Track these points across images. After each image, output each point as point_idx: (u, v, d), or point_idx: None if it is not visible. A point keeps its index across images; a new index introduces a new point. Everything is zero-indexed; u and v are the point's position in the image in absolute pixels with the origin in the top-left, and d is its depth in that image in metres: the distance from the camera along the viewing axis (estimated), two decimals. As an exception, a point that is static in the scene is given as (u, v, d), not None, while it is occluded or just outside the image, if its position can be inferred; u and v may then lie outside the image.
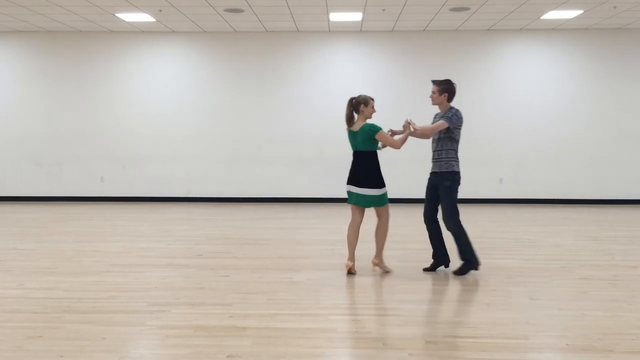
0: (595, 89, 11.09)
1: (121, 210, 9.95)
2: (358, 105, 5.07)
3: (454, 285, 4.79)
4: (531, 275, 5.10)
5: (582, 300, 4.31)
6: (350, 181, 5.11)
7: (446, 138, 5.03)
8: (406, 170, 10.81)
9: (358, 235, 5.17)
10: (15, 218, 8.93)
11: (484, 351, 3.25)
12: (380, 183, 5.04)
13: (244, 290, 4.55)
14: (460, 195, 5.19)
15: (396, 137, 5.11)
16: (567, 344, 3.36)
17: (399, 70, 11.20)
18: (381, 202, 5.06)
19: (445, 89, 5.09)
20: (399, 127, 5.59)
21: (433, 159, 5.15)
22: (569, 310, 4.03)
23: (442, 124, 4.96)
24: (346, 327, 3.69)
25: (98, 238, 7.04)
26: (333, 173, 11.26)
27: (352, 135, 5.10)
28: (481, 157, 11.03)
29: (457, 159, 5.10)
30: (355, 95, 5.26)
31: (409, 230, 7.56)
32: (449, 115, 5.00)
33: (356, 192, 5.06)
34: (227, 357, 3.15)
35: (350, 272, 5.11)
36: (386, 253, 5.32)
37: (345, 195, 11.00)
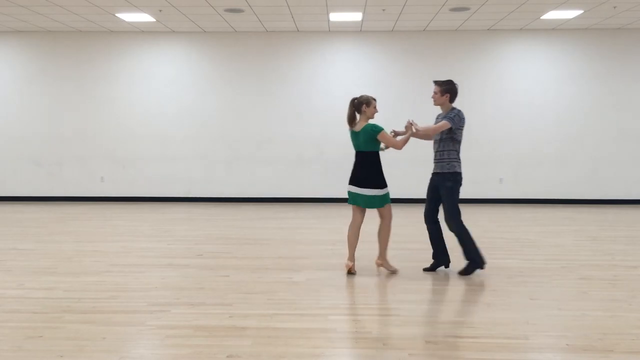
0: (595, 89, 11.09)
1: (121, 210, 9.95)
2: (360, 106, 5.07)
3: (454, 286, 4.79)
4: (531, 275, 5.11)
5: (582, 300, 4.31)
6: (352, 181, 5.11)
7: (448, 139, 5.03)
8: (406, 170, 10.81)
9: (358, 235, 5.17)
10: (15, 218, 8.93)
11: (484, 351, 3.25)
12: (381, 183, 5.03)
13: (244, 290, 4.55)
14: (460, 195, 5.19)
15: (398, 138, 5.10)
16: (567, 344, 3.36)
17: (399, 70, 11.20)
18: (382, 203, 5.05)
19: (447, 89, 5.08)
20: (401, 128, 5.59)
21: (435, 159, 5.15)
22: (569, 310, 4.03)
23: (445, 124, 4.95)
24: (346, 327, 3.69)
25: (98, 238, 7.04)
26: (333, 173, 11.26)
27: (354, 136, 5.09)
28: (481, 157, 11.03)
29: (459, 159, 5.09)
30: (356, 95, 5.27)
31: (409, 230, 7.56)
32: (452, 116, 4.99)
33: (357, 192, 5.06)
34: (227, 357, 3.15)
35: (350, 272, 5.11)
36: (387, 253, 5.31)
37: (346, 195, 11.03)
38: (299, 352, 3.22)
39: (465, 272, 5.10)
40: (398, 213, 8.94)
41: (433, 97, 5.14)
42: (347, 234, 5.21)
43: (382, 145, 5.09)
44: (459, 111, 5.04)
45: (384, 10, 9.40)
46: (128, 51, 11.32)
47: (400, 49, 11.18)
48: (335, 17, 9.87)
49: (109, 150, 11.42)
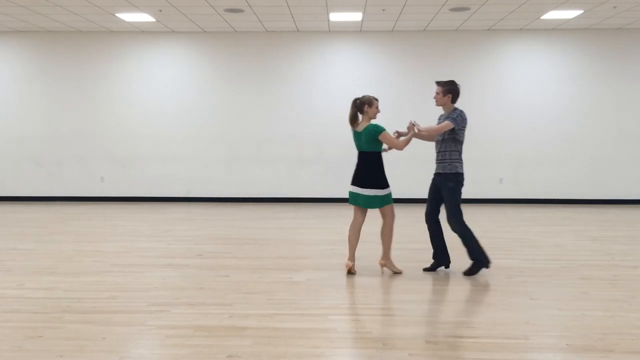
0: (595, 89, 11.09)
1: (121, 210, 9.95)
2: (362, 106, 5.07)
3: (454, 285, 4.79)
4: (531, 275, 5.11)
5: (582, 300, 4.31)
6: (353, 181, 5.10)
7: (450, 139, 5.03)
8: (406, 170, 10.81)
9: (359, 235, 5.17)
10: (15, 218, 8.93)
11: (484, 351, 3.25)
12: (383, 183, 5.03)
13: (244, 290, 4.55)
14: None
15: (400, 139, 5.09)
16: (567, 344, 3.36)
17: (399, 70, 11.20)
18: (383, 203, 5.05)
19: (450, 89, 5.08)
20: (401, 128, 5.59)
21: (437, 160, 5.15)
22: (569, 310, 4.03)
23: (448, 124, 4.95)
24: (346, 327, 3.69)
25: (98, 238, 7.04)
26: (333, 173, 11.27)
27: (357, 136, 5.09)
28: (481, 157, 11.03)
29: (461, 160, 5.08)
30: (356, 95, 5.27)
31: (409, 230, 7.56)
32: (454, 116, 4.99)
33: (357, 192, 5.05)
34: (227, 357, 3.15)
35: (350, 272, 5.11)
36: (391, 253, 5.30)
37: (346, 195, 11.02)
38: (299, 352, 3.22)
39: (470, 272, 5.09)
40: (398, 213, 8.93)
41: (435, 97, 5.13)
42: (347, 234, 5.21)
43: (384, 145, 5.09)
44: (461, 112, 5.04)
45: (384, 10, 9.40)
46: (128, 51, 11.32)
47: (400, 49, 11.18)
48: (335, 17, 9.87)
49: (109, 150, 11.42)
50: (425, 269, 5.31)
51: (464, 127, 5.04)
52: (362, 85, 10.86)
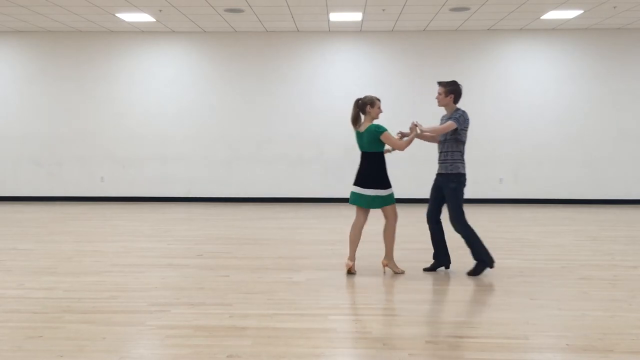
0: (595, 89, 11.09)
1: (121, 210, 9.95)
2: (364, 106, 5.06)
3: (454, 285, 4.79)
4: (531, 275, 5.11)
5: (582, 300, 4.31)
6: (356, 181, 5.09)
7: (452, 140, 5.02)
8: (406, 170, 10.81)
9: (360, 235, 5.16)
10: (15, 218, 8.93)
11: (484, 351, 3.25)
12: (385, 184, 5.02)
13: (244, 290, 4.55)
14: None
15: (403, 140, 5.08)
16: (567, 344, 3.36)
17: (399, 70, 11.21)
18: (385, 203, 5.04)
19: (452, 90, 5.07)
20: (403, 128, 5.59)
21: (439, 160, 5.14)
22: (569, 310, 4.03)
23: (451, 124, 4.94)
24: (346, 327, 3.69)
25: (98, 238, 7.04)
26: (333, 173, 11.27)
27: (359, 136, 5.09)
28: (481, 157, 11.03)
29: (463, 160, 5.07)
30: (356, 95, 5.27)
31: (409, 230, 7.56)
32: (457, 117, 4.98)
33: (359, 192, 5.04)
34: (227, 357, 3.15)
35: (350, 272, 5.11)
36: (394, 254, 5.30)
37: (346, 195, 11.02)
38: (299, 352, 3.22)
39: (474, 272, 5.09)
40: (398, 213, 8.94)
41: (437, 98, 5.13)
42: (347, 233, 5.21)
43: (386, 146, 5.07)
44: (464, 112, 5.03)
45: (384, 10, 9.41)
46: (128, 51, 11.32)
47: (400, 49, 11.18)
48: (335, 17, 9.88)
49: (109, 150, 11.42)
50: (426, 269, 5.31)
51: (467, 127, 5.04)
52: (362, 85, 10.87)
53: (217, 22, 10.28)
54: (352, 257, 5.13)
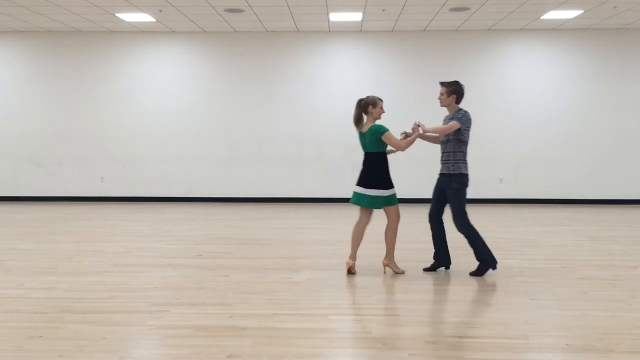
0: (595, 89, 11.09)
1: (121, 210, 9.95)
2: (366, 107, 5.06)
3: (454, 285, 4.79)
4: (531, 275, 5.11)
5: (582, 300, 4.31)
6: (358, 181, 5.09)
7: (454, 140, 5.02)
8: (406, 170, 10.81)
9: (362, 235, 5.16)
10: (15, 218, 8.93)
11: (484, 351, 3.25)
12: (387, 184, 5.01)
13: (244, 290, 4.55)
14: (462, 196, 5.17)
15: (404, 140, 5.07)
16: (567, 344, 3.36)
17: (399, 70, 11.21)
18: (387, 203, 5.03)
19: (454, 90, 5.07)
20: (404, 129, 5.58)
21: (441, 160, 5.14)
22: (569, 310, 4.03)
23: (454, 124, 4.93)
24: (346, 327, 3.69)
25: (98, 238, 7.04)
26: (333, 173, 11.27)
27: (361, 137, 5.09)
28: (481, 157, 11.02)
29: (465, 161, 5.06)
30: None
31: (409, 230, 7.56)
32: (459, 117, 4.98)
33: (361, 192, 5.04)
34: (227, 357, 3.15)
35: (350, 271, 5.11)
36: (394, 254, 5.30)
37: (345, 195, 11.01)
38: (299, 352, 3.22)
39: (477, 273, 5.08)
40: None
41: (439, 98, 5.12)
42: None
43: (389, 146, 5.07)
44: (466, 112, 5.03)
45: (384, 10, 9.40)
46: (128, 51, 11.32)
47: (400, 49, 11.18)
48: (335, 17, 9.88)
49: (109, 150, 11.42)
50: (426, 269, 5.31)
51: (469, 127, 5.04)
52: (362, 85, 10.87)
53: (217, 22, 10.28)
54: (353, 256, 5.13)
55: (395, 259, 5.44)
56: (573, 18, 10.00)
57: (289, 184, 11.39)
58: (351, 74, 11.20)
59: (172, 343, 3.37)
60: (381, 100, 5.10)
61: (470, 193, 5.27)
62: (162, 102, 11.34)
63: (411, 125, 5.18)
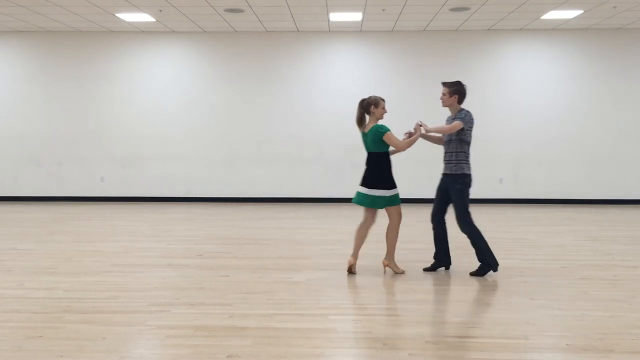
0: (595, 89, 11.09)
1: (121, 210, 9.95)
2: (368, 107, 5.06)
3: (454, 285, 4.79)
4: (531, 275, 5.11)
5: (582, 300, 4.31)
6: (361, 182, 5.10)
7: (457, 140, 5.02)
8: (406, 170, 10.78)
9: (365, 235, 5.17)
10: (15, 218, 8.93)
11: (484, 351, 3.25)
12: (388, 184, 5.01)
13: (244, 290, 4.55)
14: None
15: (405, 140, 5.06)
16: (567, 344, 3.36)
17: (399, 70, 11.20)
18: (389, 203, 5.03)
19: (456, 90, 5.07)
20: (405, 129, 5.57)
21: (444, 160, 5.14)
22: (569, 310, 4.03)
23: (458, 124, 4.93)
24: (346, 327, 3.69)
25: (98, 238, 7.04)
26: (333, 173, 11.27)
27: (364, 137, 5.09)
28: (481, 157, 11.01)
29: (468, 161, 5.06)
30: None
31: (409, 230, 7.55)
32: (462, 116, 4.99)
33: (364, 192, 5.05)
34: (227, 357, 3.15)
35: (351, 269, 5.11)
36: (395, 255, 5.29)
37: (345, 195, 11.01)
38: (299, 352, 3.22)
39: (478, 273, 5.08)
40: (398, 213, 8.94)
41: (441, 98, 5.12)
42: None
43: (391, 147, 5.07)
44: (468, 112, 5.04)
45: (384, 10, 9.40)
46: (128, 51, 11.32)
47: (400, 49, 11.18)
48: (335, 17, 9.88)
49: (109, 150, 11.42)
50: (426, 269, 5.31)
51: (471, 127, 5.04)
52: (362, 85, 10.86)
53: (217, 22, 10.28)
54: (355, 255, 5.14)
55: (396, 259, 5.44)
56: (573, 18, 10.00)
57: (289, 184, 11.38)
58: (351, 74, 11.20)
59: (172, 343, 3.37)
60: (383, 100, 5.09)
61: (471, 193, 5.26)
62: (162, 102, 11.34)
63: (413, 126, 5.16)
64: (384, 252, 5.36)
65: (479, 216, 9.15)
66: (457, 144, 5.02)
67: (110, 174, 11.45)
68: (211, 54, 11.30)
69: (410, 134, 5.09)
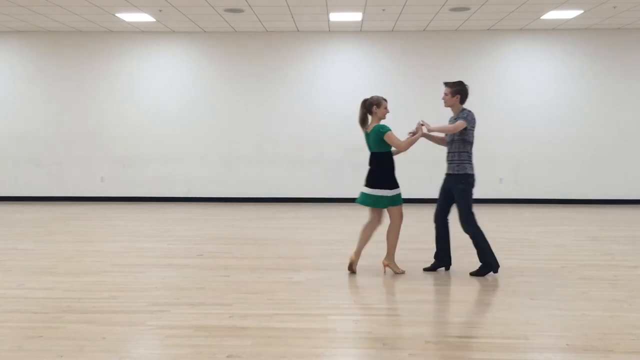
0: (595, 89, 11.09)
1: (121, 210, 9.95)
2: (370, 107, 5.07)
3: (454, 285, 4.79)
4: (531, 275, 5.10)
5: (582, 300, 4.31)
6: (365, 181, 5.11)
7: (459, 140, 5.01)
8: (406, 170, 10.78)
9: (370, 235, 5.18)
10: (15, 218, 8.93)
11: (484, 351, 3.25)
12: (390, 184, 5.01)
13: (244, 290, 4.55)
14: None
15: (405, 140, 5.06)
16: (567, 344, 3.36)
17: (399, 70, 11.20)
18: (391, 203, 5.03)
19: (458, 90, 5.07)
20: (406, 128, 5.57)
21: (447, 160, 5.14)
22: (569, 310, 4.03)
23: (461, 123, 4.92)
24: (346, 327, 3.69)
25: (98, 238, 7.04)
26: (333, 173, 11.27)
27: (367, 137, 5.10)
28: (481, 157, 10.96)
29: (471, 161, 5.04)
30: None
31: (409, 230, 7.55)
32: (464, 116, 4.99)
33: (366, 192, 5.06)
34: (227, 357, 3.15)
35: (351, 266, 5.12)
36: (395, 255, 5.29)
37: (346, 195, 11.02)
38: (299, 352, 3.22)
39: (478, 273, 5.08)
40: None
41: (444, 98, 5.11)
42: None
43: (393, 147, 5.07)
44: (470, 111, 5.04)
45: (384, 10, 9.40)
46: (128, 51, 11.32)
47: (400, 49, 11.18)
48: (335, 17, 9.87)
49: (109, 150, 11.42)
50: (426, 269, 5.31)
51: (473, 127, 5.04)
52: (362, 85, 10.87)
53: (217, 22, 10.28)
54: (357, 253, 5.16)
55: (396, 259, 5.44)
56: (573, 18, 10.00)
57: (289, 184, 11.38)
58: (351, 74, 11.20)
59: (172, 343, 3.37)
60: (385, 100, 5.09)
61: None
62: (162, 102, 11.34)
63: (414, 125, 5.16)
64: (384, 252, 5.36)
65: (479, 216, 9.11)
66: (459, 144, 5.02)
67: (110, 174, 11.45)
68: (211, 54, 11.30)
69: (413, 134, 5.08)
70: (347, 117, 10.70)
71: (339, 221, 8.61)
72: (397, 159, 5.14)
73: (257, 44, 11.23)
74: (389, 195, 5.00)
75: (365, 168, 5.30)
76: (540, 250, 6.27)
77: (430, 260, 5.43)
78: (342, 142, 11.11)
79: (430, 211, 5.37)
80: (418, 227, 7.79)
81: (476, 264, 5.23)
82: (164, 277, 4.99)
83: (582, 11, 9.49)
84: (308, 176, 11.36)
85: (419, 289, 4.64)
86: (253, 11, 9.46)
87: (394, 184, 5.03)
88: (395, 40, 11.16)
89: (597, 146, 11.12)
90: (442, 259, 5.28)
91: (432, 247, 5.41)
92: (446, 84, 5.10)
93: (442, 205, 5.20)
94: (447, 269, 5.31)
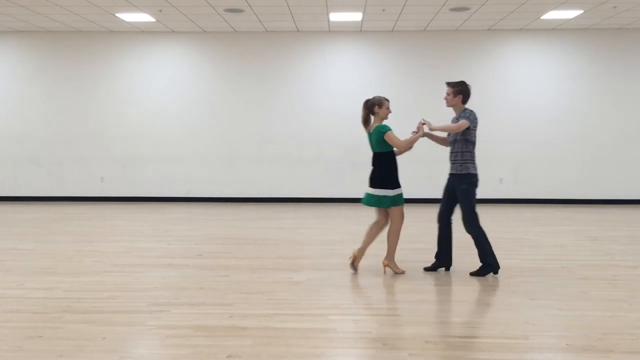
0: (595, 89, 11.09)
1: (121, 210, 9.95)
2: (372, 107, 5.07)
3: (455, 285, 4.79)
4: (531, 275, 5.11)
5: (582, 300, 4.31)
6: (368, 182, 5.11)
7: (462, 140, 5.01)
8: (406, 170, 10.76)
9: (376, 234, 5.20)
10: (15, 218, 8.93)
11: (484, 351, 3.25)
12: (392, 184, 5.02)
13: (244, 290, 4.55)
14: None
15: (405, 139, 5.06)
16: (567, 344, 3.36)
17: (399, 70, 11.20)
18: (393, 203, 5.03)
19: (460, 90, 5.07)
20: (408, 128, 5.56)
21: (450, 160, 5.14)
22: (569, 310, 4.03)
23: (464, 123, 4.92)
24: (346, 327, 3.69)
25: (98, 238, 7.04)
26: (333, 173, 11.27)
27: (369, 137, 5.11)
28: (481, 157, 10.93)
29: (473, 161, 5.04)
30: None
31: (409, 231, 7.54)
32: (466, 115, 4.99)
33: (369, 192, 5.07)
34: (227, 357, 3.15)
35: (353, 263, 5.15)
36: (395, 255, 5.29)
37: (346, 195, 11.02)
38: (299, 352, 3.22)
39: (478, 273, 5.08)
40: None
41: (445, 98, 5.12)
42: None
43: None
44: (472, 111, 5.04)
45: (384, 10, 9.40)
46: (128, 51, 11.32)
47: (400, 49, 11.18)
48: (335, 17, 9.87)
49: (109, 150, 11.42)
50: (426, 269, 5.31)
51: (475, 127, 5.04)
52: (362, 85, 10.87)
53: (217, 22, 10.28)
54: (361, 250, 5.18)
55: (396, 259, 5.44)
56: (573, 18, 10.00)
57: (289, 184, 11.38)
58: (351, 74, 11.20)
59: (172, 343, 3.37)
60: (387, 100, 5.10)
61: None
62: (162, 102, 11.34)
63: (416, 125, 5.15)
64: (384, 252, 5.36)
65: (479, 216, 9.16)
66: (462, 143, 5.02)
67: (110, 174, 11.45)
68: (211, 54, 11.30)
69: (415, 133, 5.08)
70: (347, 117, 10.71)
71: (339, 221, 8.61)
72: (397, 158, 5.13)
73: (257, 44, 11.23)
74: (390, 195, 5.00)
75: (365, 168, 5.31)
76: (540, 250, 6.27)
77: (430, 260, 5.43)
78: (342, 142, 11.11)
79: (430, 211, 5.37)
80: (418, 227, 7.79)
81: (476, 264, 5.23)
82: (164, 277, 4.99)
83: (582, 11, 9.49)
84: (308, 176, 11.36)
85: (419, 289, 4.64)
86: (253, 11, 9.46)
87: (395, 184, 5.03)
88: (395, 40, 11.16)
89: (597, 146, 11.12)
90: (443, 258, 5.27)
91: (432, 247, 5.41)
92: (448, 84, 5.10)
93: (445, 205, 5.19)
94: (448, 269, 5.31)
